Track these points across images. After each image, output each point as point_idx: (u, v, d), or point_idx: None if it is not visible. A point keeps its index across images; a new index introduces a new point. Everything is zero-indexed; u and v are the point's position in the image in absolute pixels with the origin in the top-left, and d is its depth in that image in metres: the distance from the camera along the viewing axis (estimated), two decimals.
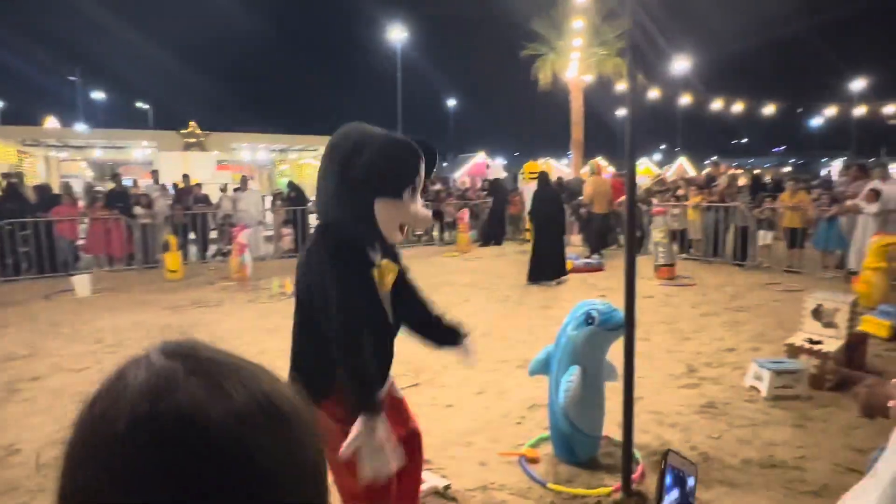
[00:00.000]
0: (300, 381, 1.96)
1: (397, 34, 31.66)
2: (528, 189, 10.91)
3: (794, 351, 4.36)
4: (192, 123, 15.11)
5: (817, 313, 4.43)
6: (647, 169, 31.24)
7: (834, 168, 27.44)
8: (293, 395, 0.44)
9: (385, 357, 2.03)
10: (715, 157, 29.47)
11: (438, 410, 3.90)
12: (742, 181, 14.12)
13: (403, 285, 2.13)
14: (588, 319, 3.10)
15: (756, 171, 17.33)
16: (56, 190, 11.22)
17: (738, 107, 20.67)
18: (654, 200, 11.63)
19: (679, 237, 10.24)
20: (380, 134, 1.92)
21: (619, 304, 3.19)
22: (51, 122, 24.38)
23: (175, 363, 0.41)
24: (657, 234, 8.46)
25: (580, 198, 10.66)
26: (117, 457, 0.37)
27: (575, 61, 13.23)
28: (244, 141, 16.28)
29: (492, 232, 12.86)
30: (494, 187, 13.16)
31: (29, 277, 9.50)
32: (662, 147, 54.60)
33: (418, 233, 13.42)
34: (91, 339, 5.75)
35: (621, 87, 14.36)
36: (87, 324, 6.36)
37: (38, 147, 15.94)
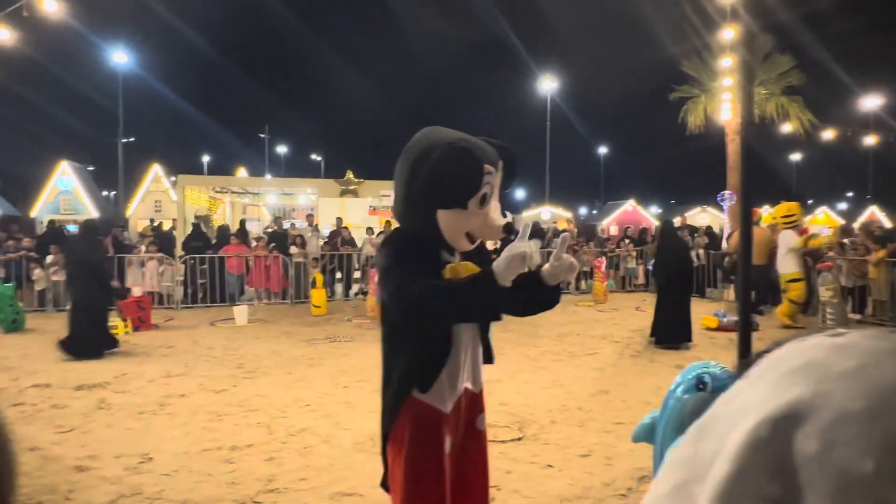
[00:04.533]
0: (385, 389, 2.03)
1: (547, 84, 32.22)
2: (782, 238, 8.63)
3: None
4: (349, 172, 16.47)
5: None
6: (827, 217, 27.63)
7: None
8: None
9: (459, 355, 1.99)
10: None
11: (537, 470, 3.64)
12: None
13: None
14: (699, 385, 2.70)
15: None
16: (232, 231, 12.88)
17: None
18: (831, 252, 10.15)
19: (856, 296, 8.77)
20: (444, 142, 1.85)
21: None
22: (241, 173, 28.34)
23: None
24: (825, 293, 7.32)
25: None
26: None
27: (728, 103, 12.30)
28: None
29: None
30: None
31: (203, 305, 10.87)
32: (849, 195, 48.13)
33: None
34: (234, 364, 6.35)
35: (786, 128, 13.00)
36: (234, 350, 7.06)
37: (226, 193, 18.50)
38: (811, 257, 9.35)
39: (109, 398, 5.14)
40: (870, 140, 18.89)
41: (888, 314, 8.52)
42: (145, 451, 3.95)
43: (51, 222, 14.35)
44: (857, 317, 8.60)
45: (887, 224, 21.28)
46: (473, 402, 2.16)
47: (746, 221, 2.27)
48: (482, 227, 1.92)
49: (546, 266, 1.92)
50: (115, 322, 8.16)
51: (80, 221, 8.37)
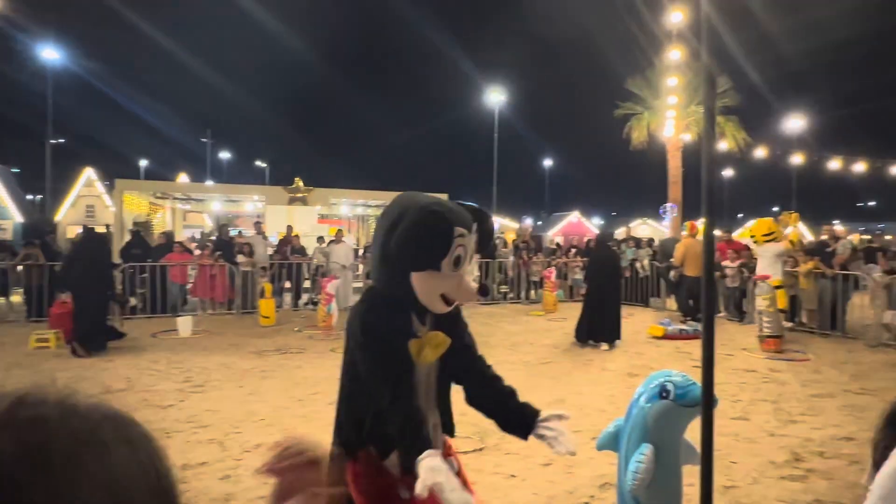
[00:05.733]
0: (337, 437, 1.97)
1: (495, 97, 32.73)
2: (762, 252, 8.12)
3: None
4: (297, 179, 16.15)
5: None
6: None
7: None
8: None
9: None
10: (837, 222, 27.05)
11: (500, 480, 3.66)
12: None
13: (462, 354, 2.03)
14: (662, 392, 2.79)
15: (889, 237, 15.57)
16: (176, 238, 12.35)
17: (861, 166, 18.94)
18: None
19: (789, 305, 9.30)
20: (417, 206, 1.86)
21: (717, 377, 2.82)
22: (182, 178, 27.28)
23: None
24: (761, 302, 7.72)
25: (671, 259, 10.00)
26: None
27: (671, 120, 12.88)
28: (343, 196, 17.16)
29: None
30: None
31: (144, 316, 10.35)
32: (775, 209, 51.22)
33: (503, 290, 13.27)
34: (181, 377, 6.07)
35: (723, 146, 13.72)
36: (180, 363, 6.76)
37: (167, 199, 17.74)
38: (798, 255, 9.36)
39: None
40: (796, 159, 20.20)
41: (816, 321, 9.08)
42: None
43: None
44: (790, 324, 9.12)
45: (809, 237, 22.73)
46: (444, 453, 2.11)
47: (709, 245, 2.36)
48: (457, 289, 1.90)
49: (546, 432, 1.92)
50: (46, 335, 7.67)
51: (85, 228, 8.39)
